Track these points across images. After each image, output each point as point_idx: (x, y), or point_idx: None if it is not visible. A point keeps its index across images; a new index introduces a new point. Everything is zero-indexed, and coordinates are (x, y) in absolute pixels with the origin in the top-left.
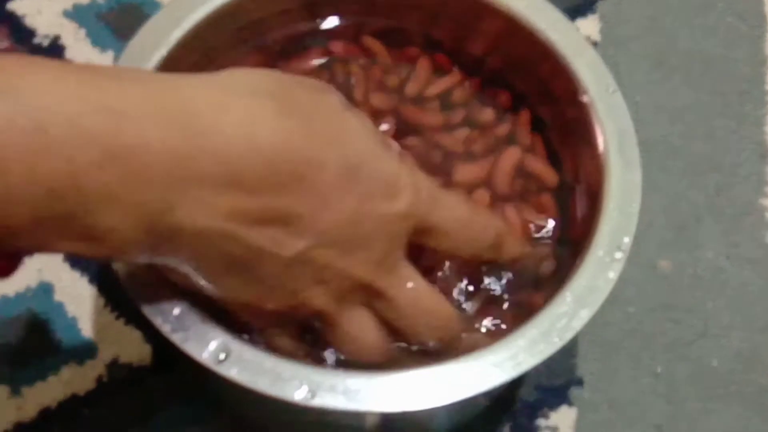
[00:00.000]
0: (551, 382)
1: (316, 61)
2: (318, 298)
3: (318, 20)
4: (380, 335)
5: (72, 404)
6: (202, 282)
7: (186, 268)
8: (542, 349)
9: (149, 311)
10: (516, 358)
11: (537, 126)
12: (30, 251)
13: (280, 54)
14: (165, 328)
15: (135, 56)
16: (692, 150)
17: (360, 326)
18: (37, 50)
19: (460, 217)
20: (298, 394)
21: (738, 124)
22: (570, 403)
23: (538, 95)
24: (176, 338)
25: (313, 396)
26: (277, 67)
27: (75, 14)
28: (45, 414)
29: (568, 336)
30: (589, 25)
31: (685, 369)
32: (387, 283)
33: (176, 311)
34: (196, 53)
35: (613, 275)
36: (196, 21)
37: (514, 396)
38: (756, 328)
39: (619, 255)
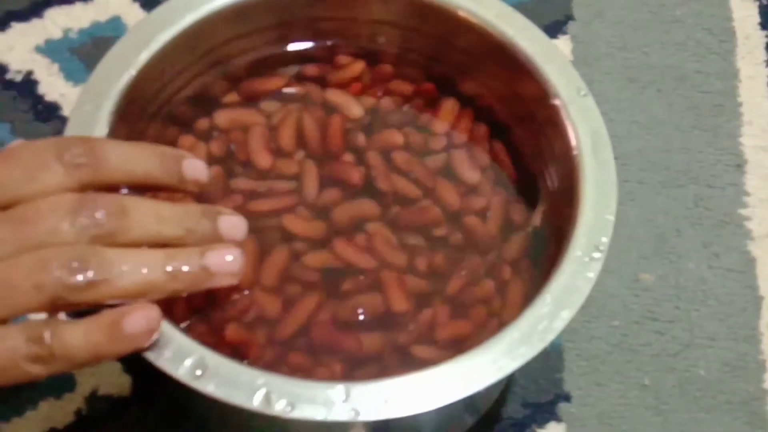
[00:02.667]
0: (538, 399)
1: (283, 82)
2: None
3: (288, 44)
4: None
5: None
6: None
7: None
8: (524, 352)
9: None
10: (497, 363)
11: (504, 132)
12: None
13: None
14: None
15: (100, 83)
16: (669, 163)
17: None
18: (10, 86)
19: None
20: (278, 406)
21: (713, 136)
22: (558, 419)
23: (508, 104)
24: (150, 356)
25: (292, 408)
26: (241, 87)
27: (47, 49)
28: None
29: (549, 338)
30: (561, 46)
31: (672, 380)
32: None
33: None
34: (161, 79)
35: (592, 275)
36: (161, 45)
37: (500, 413)
38: (741, 336)
39: (597, 255)
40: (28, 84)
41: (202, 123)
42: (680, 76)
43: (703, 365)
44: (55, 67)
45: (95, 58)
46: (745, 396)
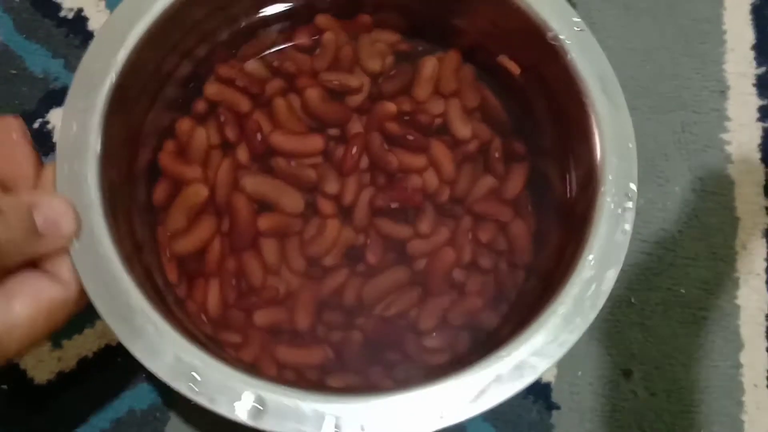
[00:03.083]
0: None
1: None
2: None
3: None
4: None
5: (106, 353)
6: None
7: None
8: (579, 323)
9: (171, 379)
10: (557, 339)
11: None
12: None
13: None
14: (191, 394)
15: (90, 72)
16: (659, 89)
17: None
18: (63, 22)
19: None
20: None
21: (700, 63)
22: None
23: (506, 48)
24: (204, 401)
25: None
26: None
27: None
28: (83, 363)
29: (600, 302)
30: None
31: (655, 298)
32: None
33: (197, 376)
34: (153, 61)
35: (628, 227)
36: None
37: None
38: (718, 256)
39: (629, 204)
40: (79, 20)
41: (200, 104)
42: (672, 3)
43: (684, 283)
44: (102, 3)
45: None
46: (720, 312)
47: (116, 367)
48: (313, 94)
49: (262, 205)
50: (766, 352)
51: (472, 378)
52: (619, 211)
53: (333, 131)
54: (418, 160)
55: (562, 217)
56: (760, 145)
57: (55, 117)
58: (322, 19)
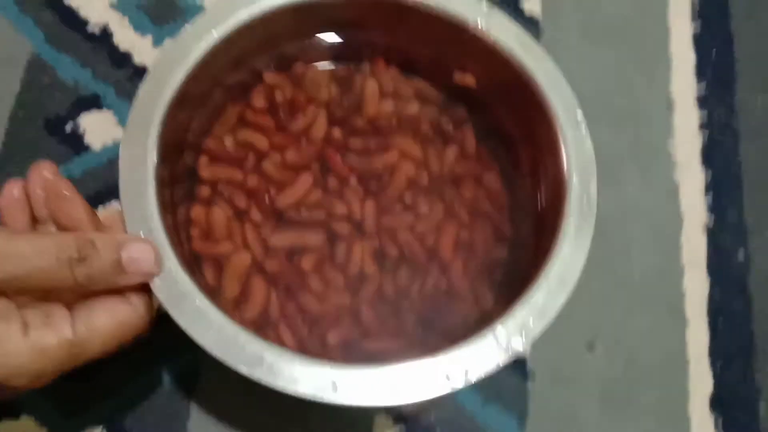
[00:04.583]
0: None
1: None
2: None
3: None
4: None
5: None
6: None
7: None
8: (587, 229)
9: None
10: (578, 245)
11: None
12: None
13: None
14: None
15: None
16: (616, 104)
17: None
18: (91, 37)
19: None
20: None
21: (650, 81)
22: None
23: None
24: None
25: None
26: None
27: (119, 5)
28: None
29: (594, 207)
30: (531, 4)
31: (612, 281)
32: None
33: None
34: (207, 83)
35: (589, 145)
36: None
37: None
38: (667, 247)
39: (583, 129)
40: (105, 36)
41: (203, 189)
42: (624, 29)
43: (636, 270)
44: (126, 20)
45: (158, 12)
46: (669, 295)
47: None
48: (291, 155)
49: (291, 252)
50: (707, 328)
51: (533, 296)
52: (581, 134)
53: (315, 166)
54: (391, 156)
55: (536, 162)
56: (701, 151)
57: (85, 121)
58: (270, 77)
